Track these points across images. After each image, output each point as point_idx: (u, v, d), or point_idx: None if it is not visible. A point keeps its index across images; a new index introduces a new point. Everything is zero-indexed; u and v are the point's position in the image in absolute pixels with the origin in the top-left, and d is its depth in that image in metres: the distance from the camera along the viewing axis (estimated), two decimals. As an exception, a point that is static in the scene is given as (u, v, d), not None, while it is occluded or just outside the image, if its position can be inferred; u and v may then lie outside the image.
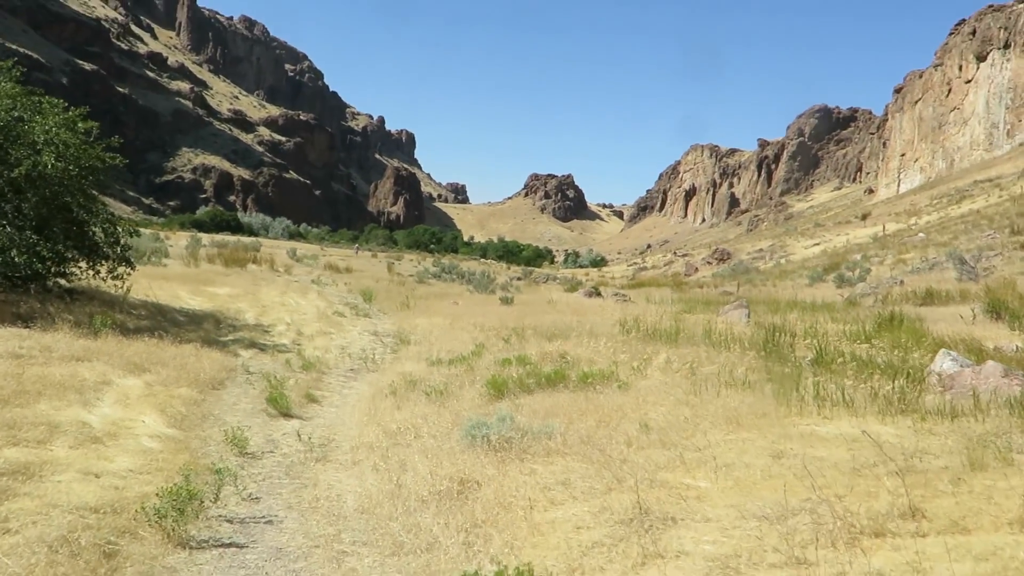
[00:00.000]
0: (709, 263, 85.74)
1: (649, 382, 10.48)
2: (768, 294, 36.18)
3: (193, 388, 10.19)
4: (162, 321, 14.96)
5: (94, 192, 14.63)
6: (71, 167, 13.41)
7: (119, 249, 14.97)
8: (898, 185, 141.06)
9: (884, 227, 70.48)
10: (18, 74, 14.52)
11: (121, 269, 14.90)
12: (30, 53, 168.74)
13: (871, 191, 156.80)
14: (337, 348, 15.85)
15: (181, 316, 16.27)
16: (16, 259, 12.53)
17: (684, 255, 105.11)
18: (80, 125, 14.29)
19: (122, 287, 14.91)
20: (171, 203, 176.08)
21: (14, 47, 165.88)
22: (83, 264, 14.65)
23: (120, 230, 14.96)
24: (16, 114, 13.64)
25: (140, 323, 14.20)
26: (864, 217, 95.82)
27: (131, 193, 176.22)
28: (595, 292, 33.49)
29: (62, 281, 14.86)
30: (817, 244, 79.15)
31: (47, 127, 13.45)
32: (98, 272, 14.72)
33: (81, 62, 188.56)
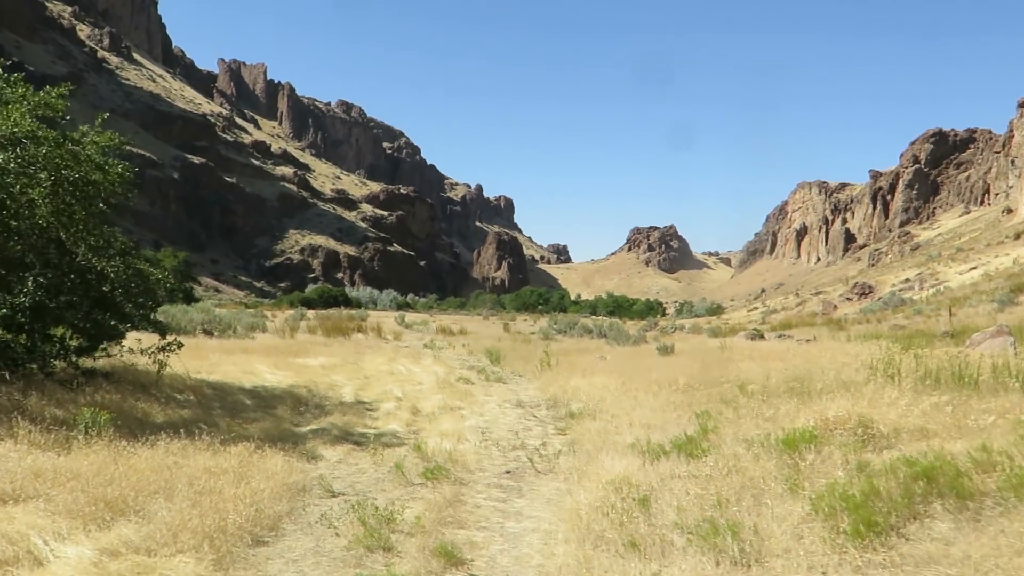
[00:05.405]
0: (849, 299, 78.58)
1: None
2: (958, 323, 31.54)
3: (206, 554, 5.01)
4: (215, 408, 10.23)
5: (103, 212, 9.97)
6: (41, 171, 8.70)
7: (144, 306, 10.12)
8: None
9: (1058, 242, 62.36)
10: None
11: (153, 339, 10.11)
12: (143, 152, 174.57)
13: (1009, 211, 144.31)
14: (474, 432, 10.37)
15: (248, 398, 11.53)
16: None
17: (817, 293, 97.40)
18: (60, 105, 9.52)
19: (153, 362, 10.23)
20: (282, 284, 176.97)
21: (127, 148, 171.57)
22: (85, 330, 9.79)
23: (146, 278, 10.09)
24: None
25: (176, 414, 9.44)
26: (1018, 236, 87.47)
27: (243, 278, 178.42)
28: (759, 335, 27.91)
29: (82, 359, 10.27)
30: (974, 268, 71.75)
31: (12, 118, 8.76)
32: (97, 342, 10.00)
33: (191, 156, 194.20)
